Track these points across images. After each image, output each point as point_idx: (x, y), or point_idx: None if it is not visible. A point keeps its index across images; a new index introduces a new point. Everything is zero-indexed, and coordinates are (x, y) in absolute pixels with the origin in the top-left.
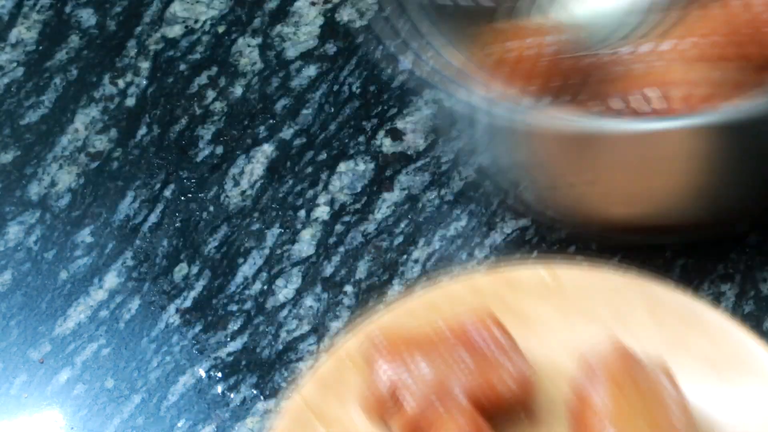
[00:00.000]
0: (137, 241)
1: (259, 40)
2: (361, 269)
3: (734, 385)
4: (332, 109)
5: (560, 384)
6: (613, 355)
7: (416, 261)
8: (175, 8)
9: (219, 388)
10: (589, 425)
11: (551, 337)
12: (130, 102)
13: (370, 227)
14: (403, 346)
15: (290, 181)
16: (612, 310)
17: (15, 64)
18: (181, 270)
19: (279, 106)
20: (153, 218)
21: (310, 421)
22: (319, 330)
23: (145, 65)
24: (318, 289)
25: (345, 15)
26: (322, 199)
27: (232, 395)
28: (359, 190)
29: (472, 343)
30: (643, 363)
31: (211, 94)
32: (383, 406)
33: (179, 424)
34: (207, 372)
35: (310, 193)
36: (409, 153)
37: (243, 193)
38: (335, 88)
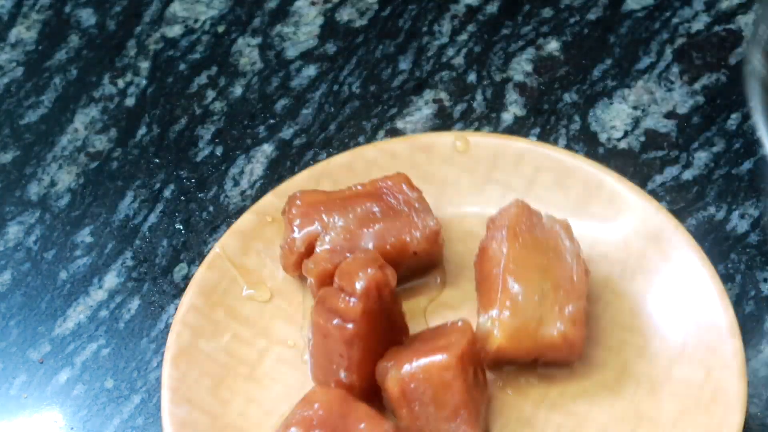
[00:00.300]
0: (137, 241)
1: (259, 39)
2: None
3: (624, 238)
4: (332, 109)
5: (470, 245)
6: (514, 210)
7: None
8: (175, 8)
9: None
10: (487, 271)
11: (462, 201)
12: (130, 102)
13: None
14: (319, 203)
15: None
16: (520, 176)
17: (15, 64)
18: (181, 270)
19: (279, 105)
20: (153, 218)
21: (229, 270)
22: None
23: (144, 65)
24: None
25: (345, 15)
26: None
27: None
28: None
29: (385, 202)
30: (542, 217)
31: (210, 94)
32: (299, 258)
33: None
34: None
35: None
36: None
37: (243, 193)
38: (335, 88)
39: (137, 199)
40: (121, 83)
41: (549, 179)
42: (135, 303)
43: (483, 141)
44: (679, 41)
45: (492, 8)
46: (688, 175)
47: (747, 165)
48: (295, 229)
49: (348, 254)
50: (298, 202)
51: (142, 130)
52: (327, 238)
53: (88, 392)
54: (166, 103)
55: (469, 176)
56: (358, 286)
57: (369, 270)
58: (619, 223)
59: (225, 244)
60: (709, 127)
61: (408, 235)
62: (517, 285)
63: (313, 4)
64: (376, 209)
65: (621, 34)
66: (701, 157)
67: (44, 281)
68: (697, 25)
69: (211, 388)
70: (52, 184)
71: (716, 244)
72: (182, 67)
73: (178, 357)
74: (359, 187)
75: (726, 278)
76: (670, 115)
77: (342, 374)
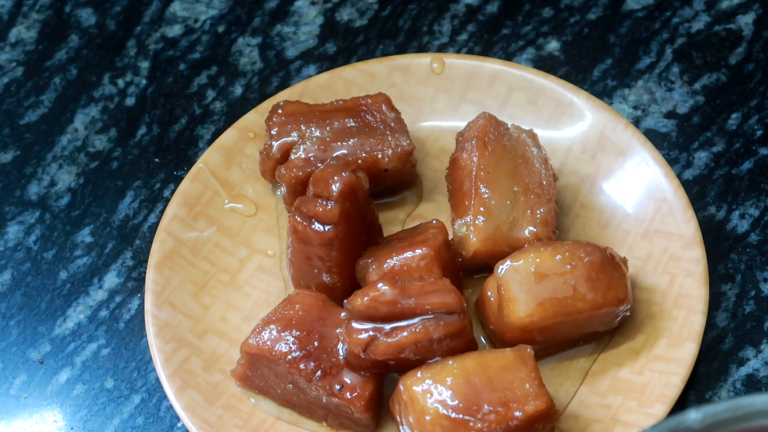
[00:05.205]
0: (137, 241)
1: (259, 39)
2: None
3: (593, 153)
4: None
5: (446, 161)
6: (481, 122)
7: None
8: (175, 8)
9: None
10: (459, 181)
11: (438, 119)
12: (130, 102)
13: None
14: (299, 114)
15: None
16: (494, 95)
17: (15, 64)
18: None
19: None
20: (153, 218)
21: (210, 182)
22: None
23: (144, 65)
24: None
25: (345, 15)
26: None
27: None
28: None
29: (362, 118)
30: (509, 127)
31: (210, 94)
32: (275, 164)
33: (179, 425)
34: None
35: None
36: None
37: None
38: None
39: (137, 199)
40: (121, 83)
41: (522, 98)
42: (135, 303)
43: (458, 62)
44: (679, 41)
45: (492, 8)
46: (688, 175)
47: (747, 165)
48: (273, 135)
49: (320, 164)
50: (280, 111)
51: (142, 130)
52: (302, 147)
53: (88, 392)
54: (166, 103)
55: (445, 96)
56: (335, 188)
57: (343, 174)
58: (589, 139)
59: (208, 159)
60: (709, 127)
61: (380, 152)
62: (489, 191)
63: (313, 4)
64: (352, 124)
65: (621, 34)
66: (701, 157)
67: (44, 281)
68: (697, 25)
69: (193, 293)
70: (52, 184)
71: (716, 244)
72: (182, 67)
73: (161, 263)
74: (341, 102)
75: (726, 278)
76: (670, 115)
77: (324, 276)
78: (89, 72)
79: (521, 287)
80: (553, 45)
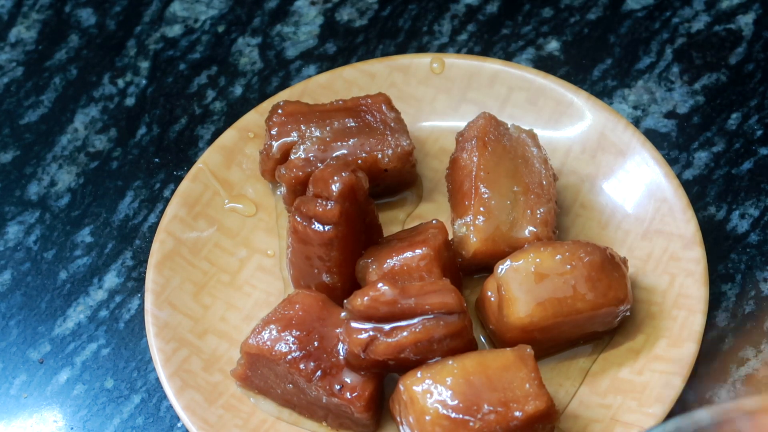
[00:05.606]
0: (137, 241)
1: (259, 39)
2: None
3: (593, 153)
4: None
5: (446, 161)
6: (481, 122)
7: None
8: (175, 8)
9: None
10: (459, 181)
11: (438, 119)
12: (130, 102)
13: None
14: (299, 114)
15: None
16: (494, 95)
17: (15, 64)
18: None
19: None
20: (153, 218)
21: (210, 182)
22: None
23: (144, 65)
24: None
25: (345, 15)
26: None
27: None
28: None
29: (362, 118)
30: (509, 127)
31: (210, 94)
32: (275, 164)
33: (179, 424)
34: None
35: None
36: None
37: None
38: None
39: (137, 199)
40: (121, 83)
41: (522, 98)
42: (135, 303)
43: (458, 62)
44: (679, 41)
45: (492, 8)
46: (688, 175)
47: (747, 165)
48: (273, 135)
49: (320, 164)
50: (280, 111)
51: (142, 130)
52: (302, 147)
53: (88, 392)
54: (166, 103)
55: (445, 96)
56: (335, 188)
57: (343, 174)
58: (589, 139)
59: (208, 159)
60: (709, 127)
61: (380, 152)
62: (489, 191)
63: (313, 3)
64: (352, 124)
65: (621, 34)
66: (701, 157)
67: (44, 281)
68: (697, 25)
69: (193, 293)
70: (52, 184)
71: (716, 244)
72: (182, 67)
73: (161, 263)
74: (341, 102)
75: (726, 278)
76: (670, 115)
77: (324, 276)
78: (89, 72)
79: (521, 287)
80: (553, 45)
